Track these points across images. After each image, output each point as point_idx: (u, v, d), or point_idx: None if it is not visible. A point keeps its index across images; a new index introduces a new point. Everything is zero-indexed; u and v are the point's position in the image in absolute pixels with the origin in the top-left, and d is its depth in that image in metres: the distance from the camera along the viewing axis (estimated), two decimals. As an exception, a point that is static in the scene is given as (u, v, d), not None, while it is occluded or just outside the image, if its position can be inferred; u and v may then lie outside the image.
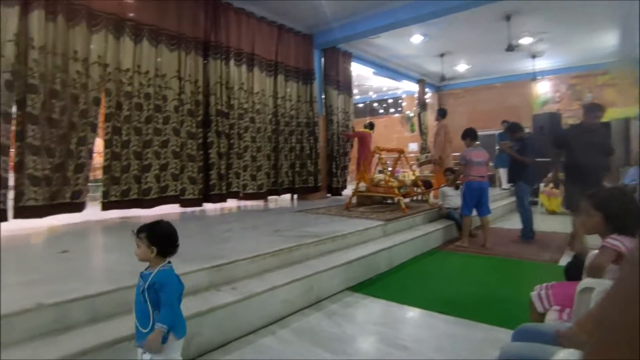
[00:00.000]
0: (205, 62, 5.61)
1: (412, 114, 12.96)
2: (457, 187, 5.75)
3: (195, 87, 5.43)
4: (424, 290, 3.42)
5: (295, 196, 7.33)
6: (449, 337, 2.51)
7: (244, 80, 6.10)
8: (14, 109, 3.94)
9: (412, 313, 2.92)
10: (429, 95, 12.08)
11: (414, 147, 12.60)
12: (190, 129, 5.35)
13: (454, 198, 5.68)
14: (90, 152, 4.48)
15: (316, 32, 7.35)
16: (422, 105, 11.55)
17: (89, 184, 4.68)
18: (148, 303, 1.60)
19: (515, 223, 5.77)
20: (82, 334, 1.90)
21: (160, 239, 1.67)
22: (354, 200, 5.98)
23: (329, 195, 7.77)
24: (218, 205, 6.02)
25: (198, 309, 2.24)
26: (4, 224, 3.70)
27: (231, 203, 6.42)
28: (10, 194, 3.94)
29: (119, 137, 4.72)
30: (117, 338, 1.88)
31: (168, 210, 5.21)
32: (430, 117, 11.72)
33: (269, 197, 7.04)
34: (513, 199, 6.86)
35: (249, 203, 6.70)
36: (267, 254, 3.04)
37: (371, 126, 8.15)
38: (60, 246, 3.19)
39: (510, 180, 5.83)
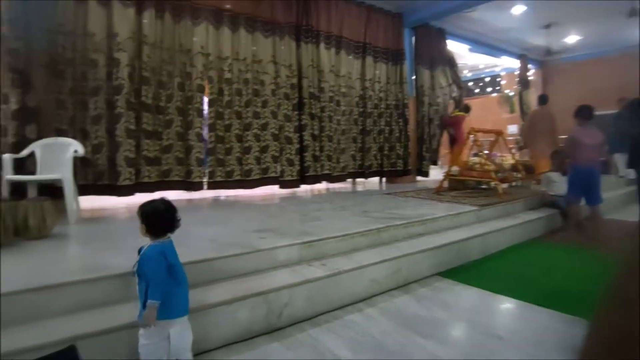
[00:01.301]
0: (297, 46, 5.76)
1: (512, 93, 11.89)
2: (564, 173, 5.17)
3: (289, 70, 5.62)
4: (521, 280, 3.17)
5: (384, 179, 7.25)
6: (549, 331, 2.31)
7: (333, 63, 6.15)
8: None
9: (508, 303, 2.74)
10: (531, 72, 10.95)
11: (513, 129, 11.59)
12: (287, 112, 5.57)
13: (560, 184, 5.13)
14: (199, 136, 4.89)
15: (406, 10, 7.08)
16: (524, 83, 10.52)
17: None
18: (138, 278, 1.66)
19: (634, 215, 5.03)
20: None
21: (148, 217, 1.72)
22: (446, 184, 5.72)
23: (418, 178, 7.55)
24: (308, 187, 6.23)
25: (290, 280, 2.36)
26: (129, 198, 4.28)
27: (320, 185, 6.59)
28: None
29: (222, 121, 5.08)
30: (212, 303, 2.06)
31: (267, 191, 5.55)
32: (533, 96, 10.64)
33: (357, 180, 7.08)
34: (632, 187, 5.97)
35: (337, 185, 6.81)
36: (356, 234, 3.07)
37: (466, 109, 7.67)
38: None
39: (631, 165, 5.07)
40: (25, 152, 3.71)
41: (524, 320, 2.48)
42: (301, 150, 5.74)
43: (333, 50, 6.15)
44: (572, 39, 9.37)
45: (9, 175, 3.44)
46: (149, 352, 1.63)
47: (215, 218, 4.00)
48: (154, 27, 4.51)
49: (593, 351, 0.40)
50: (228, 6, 5.07)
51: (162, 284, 1.63)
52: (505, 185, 5.83)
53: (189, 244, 2.73)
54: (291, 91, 5.64)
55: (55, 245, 2.75)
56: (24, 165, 3.76)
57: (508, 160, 6.08)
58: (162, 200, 1.79)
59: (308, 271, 2.54)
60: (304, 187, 6.08)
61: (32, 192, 3.61)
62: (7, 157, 3.51)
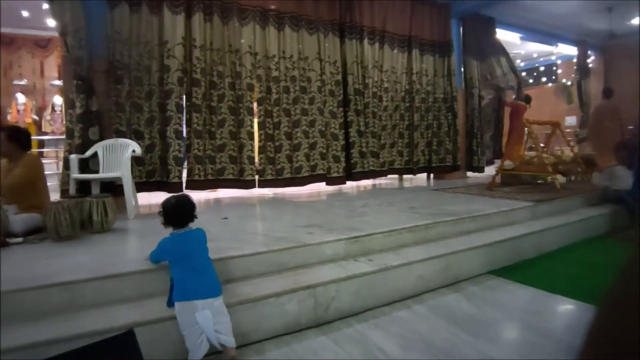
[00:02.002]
0: (341, 42, 5.74)
1: (569, 83, 11.16)
2: (631, 166, 4.78)
3: (334, 67, 5.62)
4: (583, 281, 2.96)
5: (432, 175, 7.07)
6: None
7: (377, 59, 6.07)
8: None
9: (568, 304, 2.57)
10: (591, 59, 10.20)
11: (571, 121, 10.88)
12: (332, 109, 5.58)
13: (625, 179, 4.75)
14: (250, 135, 4.98)
15: (452, 0, 6.83)
16: (583, 71, 9.81)
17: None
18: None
19: None
20: (238, 288, 2.19)
21: (163, 211, 2.01)
22: (498, 179, 5.47)
23: (469, 174, 7.29)
24: (354, 184, 6.21)
25: (337, 275, 2.36)
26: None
27: (366, 182, 6.55)
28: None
29: (271, 119, 5.18)
30: (262, 295, 2.11)
31: (313, 189, 5.60)
32: (593, 85, 9.92)
33: (404, 177, 6.95)
34: None
35: (384, 182, 6.74)
36: (403, 229, 3.02)
37: (527, 99, 7.30)
38: (223, 214, 3.76)
39: None
40: (89, 153, 3.99)
41: (585, 323, 2.31)
42: (347, 147, 5.72)
43: (377, 45, 6.07)
44: (637, 20, 8.61)
45: (75, 174, 3.72)
46: (184, 326, 1.80)
47: (265, 214, 4.10)
48: (202, 30, 4.67)
49: (592, 352, 0.42)
50: (273, 6, 5.15)
51: (157, 255, 2.05)
52: (563, 180, 5.49)
53: (242, 237, 2.82)
54: (336, 88, 5.63)
55: (117, 239, 2.93)
56: (88, 164, 4.06)
57: (566, 153, 5.71)
58: (177, 197, 2.09)
59: (354, 266, 2.54)
60: (349, 184, 6.06)
61: (95, 190, 3.88)
62: (74, 157, 3.79)
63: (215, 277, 1.96)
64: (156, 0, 4.42)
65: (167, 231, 2.04)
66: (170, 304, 1.87)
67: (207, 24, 4.71)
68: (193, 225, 2.08)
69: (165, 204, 2.04)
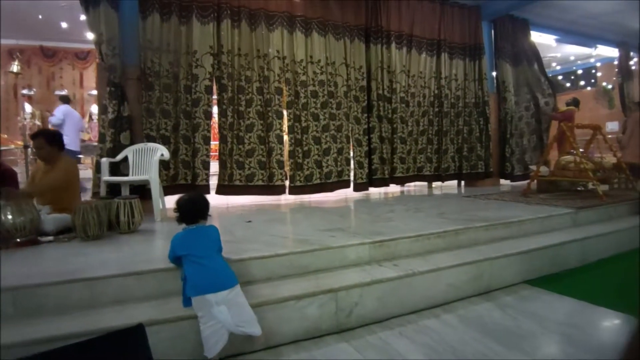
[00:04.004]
0: (367, 47, 5.68)
1: (611, 86, 10.61)
2: None
3: (359, 73, 5.57)
4: (628, 293, 2.72)
5: (463, 183, 6.84)
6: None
7: (405, 63, 5.97)
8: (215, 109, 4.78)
9: (611, 317, 2.36)
10: (634, 61, 9.66)
11: (613, 126, 10.32)
12: (357, 114, 5.53)
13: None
14: (279, 138, 4.98)
15: (483, 1, 6.65)
16: (625, 73, 9.30)
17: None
18: None
19: None
20: (258, 289, 2.14)
21: (177, 208, 2.07)
22: (534, 185, 5.20)
23: (502, 182, 7.00)
24: (382, 190, 6.08)
25: (360, 279, 2.27)
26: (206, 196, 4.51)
27: (394, 188, 6.40)
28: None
29: (299, 123, 5.16)
30: (281, 297, 2.05)
31: (338, 195, 5.53)
32: (636, 88, 9.38)
33: (434, 184, 6.76)
34: None
35: (412, 188, 6.57)
36: (432, 235, 2.88)
37: (576, 103, 6.98)
38: (248, 217, 3.77)
39: None
40: (119, 157, 4.09)
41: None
42: (369, 153, 5.63)
43: (404, 49, 5.97)
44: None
45: (106, 177, 3.81)
46: (202, 321, 1.77)
47: (289, 218, 4.05)
48: (230, 37, 4.73)
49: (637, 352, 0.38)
50: (300, 12, 5.17)
51: (171, 252, 2.01)
52: (605, 188, 5.16)
53: (264, 240, 2.78)
54: (360, 94, 5.57)
55: (142, 239, 2.96)
56: (119, 168, 4.16)
57: (607, 159, 5.36)
58: (190, 194, 2.15)
59: (379, 271, 2.43)
60: (375, 190, 5.95)
61: (125, 192, 3.96)
62: (105, 160, 3.89)
63: (226, 270, 1.93)
64: (186, 10, 4.53)
65: None
66: (186, 302, 1.85)
67: (235, 30, 4.77)
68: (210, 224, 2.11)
69: (179, 201, 2.10)
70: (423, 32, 6.16)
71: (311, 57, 5.23)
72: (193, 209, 2.07)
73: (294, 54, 5.12)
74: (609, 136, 8.33)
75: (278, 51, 5.00)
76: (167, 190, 4.37)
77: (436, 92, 6.31)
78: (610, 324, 2.33)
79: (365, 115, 5.62)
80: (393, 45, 5.81)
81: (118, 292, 2.01)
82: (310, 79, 5.20)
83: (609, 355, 1.89)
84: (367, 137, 5.60)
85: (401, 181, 5.94)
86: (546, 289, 2.79)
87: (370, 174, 5.64)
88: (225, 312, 1.76)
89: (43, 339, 1.61)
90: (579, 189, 5.32)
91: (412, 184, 6.54)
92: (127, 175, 4.04)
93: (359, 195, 5.69)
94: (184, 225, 2.07)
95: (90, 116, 8.59)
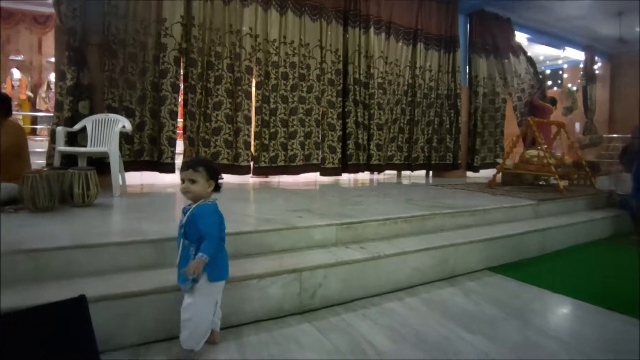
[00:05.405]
0: (344, 31, 5.59)
1: (575, 88, 11.01)
2: (629, 171, 4.65)
3: (335, 56, 5.46)
4: (587, 282, 2.83)
5: (431, 173, 6.93)
6: (622, 338, 2.00)
7: (383, 49, 5.92)
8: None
9: (571, 305, 2.42)
10: (598, 65, 10.06)
11: (575, 127, 10.73)
12: (331, 98, 5.43)
13: (630, 183, 4.61)
14: (247, 119, 4.82)
15: (460, -6, 6.69)
16: (590, 77, 9.69)
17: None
18: (185, 239, 1.57)
19: None
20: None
21: (216, 173, 1.66)
22: (499, 178, 5.32)
23: (469, 174, 7.14)
24: (351, 176, 6.06)
25: (325, 260, 2.22)
26: (171, 175, 4.33)
27: (363, 175, 6.40)
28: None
29: (267, 105, 5.01)
30: (243, 276, 1.96)
31: (309, 178, 5.46)
32: (599, 92, 9.79)
33: (403, 173, 6.81)
34: None
35: (381, 176, 6.60)
36: (399, 219, 2.87)
37: (553, 102, 7.16)
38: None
39: None
40: (77, 127, 3.84)
41: (590, 325, 2.16)
42: (344, 138, 5.57)
43: (383, 35, 5.92)
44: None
45: (61, 147, 3.57)
46: (203, 310, 1.57)
47: (254, 198, 3.95)
48: (202, 9, 4.51)
49: None
50: (276, -11, 5.00)
51: (216, 240, 1.57)
52: (566, 182, 5.35)
53: (228, 218, 2.65)
54: (336, 77, 5.48)
55: (97, 213, 2.78)
56: (76, 139, 3.90)
57: (566, 157, 5.57)
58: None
59: (345, 253, 2.39)
60: (346, 176, 5.92)
61: (82, 165, 3.72)
62: (60, 129, 3.63)
63: None
64: (156, -24, 4.26)
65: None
66: (191, 281, 1.56)
67: (207, 2, 4.55)
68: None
69: (216, 166, 1.85)
70: (401, 20, 6.12)
71: (284, 37, 5.07)
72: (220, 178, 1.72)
73: (267, 32, 4.95)
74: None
75: (251, 28, 4.82)
76: (130, 166, 4.16)
77: (410, 81, 6.31)
78: (567, 311, 2.40)
79: (340, 99, 5.54)
80: (372, 30, 5.74)
81: (65, 265, 1.86)
82: (282, 60, 5.05)
83: (565, 338, 1.94)
84: (341, 121, 5.53)
85: (373, 169, 5.93)
86: (508, 276, 2.84)
87: (344, 159, 5.59)
88: (220, 299, 1.67)
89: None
90: (541, 183, 5.49)
91: (382, 173, 6.56)
92: (84, 147, 3.80)
93: (328, 180, 5.64)
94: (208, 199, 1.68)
95: (49, 85, 8.07)
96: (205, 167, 1.63)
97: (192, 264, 1.49)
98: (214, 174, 1.65)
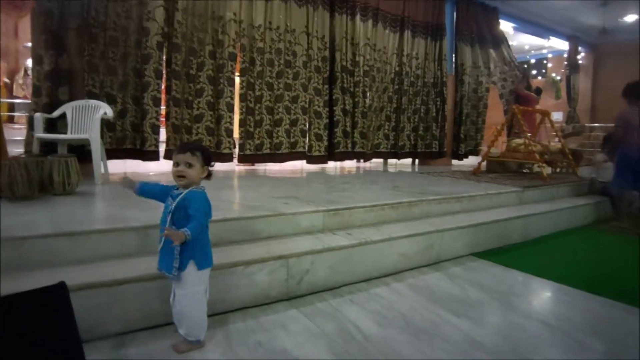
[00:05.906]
0: (331, 17, 5.51)
1: (558, 77, 11.15)
2: (611, 159, 4.75)
3: (322, 43, 5.39)
4: (569, 266, 2.89)
5: (417, 161, 6.96)
6: (605, 320, 2.05)
7: (369, 36, 5.87)
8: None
9: (555, 289, 2.48)
10: (582, 55, 10.19)
11: (558, 116, 10.89)
12: (317, 86, 5.36)
13: (610, 171, 4.71)
14: (229, 107, 4.71)
15: (448, -19, 6.66)
16: (573, 66, 9.80)
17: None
18: (173, 224, 1.52)
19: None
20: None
21: (210, 161, 1.63)
22: (483, 166, 5.38)
23: (454, 162, 7.20)
24: (337, 164, 6.05)
25: (312, 247, 2.21)
26: (155, 162, 4.25)
27: (350, 163, 6.39)
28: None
29: (253, 92, 4.94)
30: (229, 262, 1.94)
31: (296, 166, 5.42)
32: (582, 81, 9.93)
33: (389, 161, 6.82)
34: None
35: (368, 164, 6.60)
36: (386, 205, 2.88)
37: (538, 92, 7.20)
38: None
39: None
40: (57, 113, 3.72)
41: (574, 308, 2.21)
42: (331, 126, 5.54)
43: (370, 22, 5.86)
44: (631, 17, 8.58)
45: (40, 134, 3.46)
46: (198, 298, 1.57)
47: (240, 185, 3.92)
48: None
49: None
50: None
51: (203, 225, 1.54)
52: (549, 171, 5.44)
53: (213, 205, 2.62)
54: (322, 64, 5.41)
55: (78, 201, 2.71)
56: (56, 126, 3.79)
57: (552, 145, 5.66)
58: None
59: (332, 239, 2.38)
60: (332, 164, 5.90)
61: (62, 152, 3.62)
62: (38, 115, 3.52)
63: None
64: (138, -43, 4.12)
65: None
66: (167, 267, 1.54)
67: (190, -14, 4.42)
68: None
69: (210, 152, 1.75)
70: (388, 7, 6.06)
71: (270, 22, 4.97)
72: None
73: (252, 18, 4.85)
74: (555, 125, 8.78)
75: (235, 14, 4.69)
76: (112, 154, 4.07)
77: (397, 69, 6.29)
78: (550, 294, 2.45)
79: (327, 86, 5.48)
80: (358, 16, 5.67)
81: (47, 254, 1.82)
82: (267, 46, 4.97)
83: (549, 321, 1.98)
84: (327, 109, 5.49)
85: (360, 156, 5.92)
86: (492, 261, 2.89)
87: (331, 147, 5.56)
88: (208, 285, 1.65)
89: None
90: (525, 171, 5.57)
91: (368, 161, 6.56)
92: (64, 134, 3.69)
93: (315, 167, 5.62)
94: (199, 186, 1.63)
95: (26, 71, 7.81)
96: (202, 152, 1.60)
97: (176, 233, 1.43)
98: (208, 161, 1.62)
